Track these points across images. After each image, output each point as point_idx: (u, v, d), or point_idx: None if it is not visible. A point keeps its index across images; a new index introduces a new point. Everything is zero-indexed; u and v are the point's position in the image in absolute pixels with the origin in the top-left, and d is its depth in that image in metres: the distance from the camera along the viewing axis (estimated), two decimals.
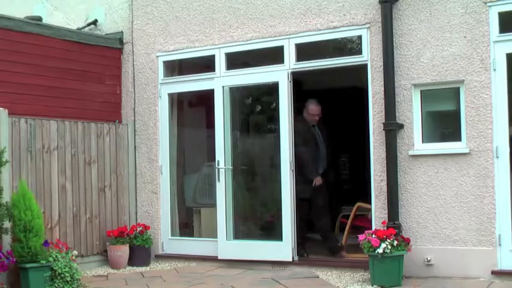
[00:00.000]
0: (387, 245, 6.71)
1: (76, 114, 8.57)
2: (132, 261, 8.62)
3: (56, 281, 7.06)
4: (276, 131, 8.37)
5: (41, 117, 8.03)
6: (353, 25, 7.69)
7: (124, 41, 9.36)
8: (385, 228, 7.06)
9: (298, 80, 8.62)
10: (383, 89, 7.40)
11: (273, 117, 8.57)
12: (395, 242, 6.78)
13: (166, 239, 8.99)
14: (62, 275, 7.07)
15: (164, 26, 9.03)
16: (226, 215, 8.46)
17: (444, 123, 7.52)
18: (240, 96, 9.24)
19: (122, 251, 8.53)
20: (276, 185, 8.17)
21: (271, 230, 9.41)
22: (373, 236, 6.86)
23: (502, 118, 6.87)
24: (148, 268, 8.54)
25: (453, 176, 7.08)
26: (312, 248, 8.49)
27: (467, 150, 7.00)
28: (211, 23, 8.65)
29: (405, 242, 6.90)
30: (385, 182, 7.34)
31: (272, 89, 8.36)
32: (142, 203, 9.15)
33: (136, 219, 9.11)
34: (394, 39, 7.35)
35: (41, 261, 7.01)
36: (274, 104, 8.58)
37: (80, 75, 8.77)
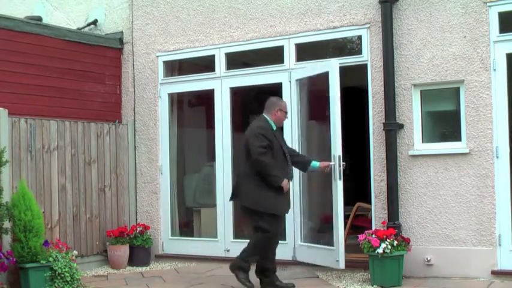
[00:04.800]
0: (387, 245, 6.71)
1: (76, 114, 8.57)
2: (132, 261, 8.62)
3: (56, 281, 7.06)
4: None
5: (41, 117, 8.04)
6: (353, 25, 7.69)
7: (124, 41, 9.36)
8: (385, 228, 7.07)
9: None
10: (383, 89, 7.41)
11: None
12: (395, 242, 6.78)
13: (166, 239, 8.99)
14: (62, 275, 7.07)
15: (164, 26, 9.03)
16: (224, 215, 8.48)
17: (444, 123, 7.52)
18: (241, 95, 9.24)
19: (122, 251, 8.53)
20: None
21: None
22: (373, 236, 6.86)
23: (502, 118, 6.87)
24: (148, 268, 8.54)
25: (453, 176, 7.08)
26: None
27: (467, 150, 7.00)
28: (211, 23, 8.65)
29: (405, 242, 6.90)
30: (385, 182, 7.35)
31: (272, 89, 8.35)
32: (142, 203, 9.15)
33: (136, 219, 9.11)
34: (394, 39, 7.35)
35: (41, 261, 7.01)
36: None
37: (80, 75, 8.77)
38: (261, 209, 6.61)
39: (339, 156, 7.14)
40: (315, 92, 8.38)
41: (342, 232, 7.16)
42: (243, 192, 6.74)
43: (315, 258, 7.58)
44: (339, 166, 7.12)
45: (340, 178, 7.14)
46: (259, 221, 6.64)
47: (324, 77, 7.47)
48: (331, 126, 7.30)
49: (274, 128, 6.86)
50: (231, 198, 7.17)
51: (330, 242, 7.30)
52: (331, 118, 7.30)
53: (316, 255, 7.59)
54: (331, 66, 7.31)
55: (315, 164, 7.12)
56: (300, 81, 8.04)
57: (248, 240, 6.85)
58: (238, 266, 6.71)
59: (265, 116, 6.87)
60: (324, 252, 7.42)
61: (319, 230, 8.29)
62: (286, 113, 7.01)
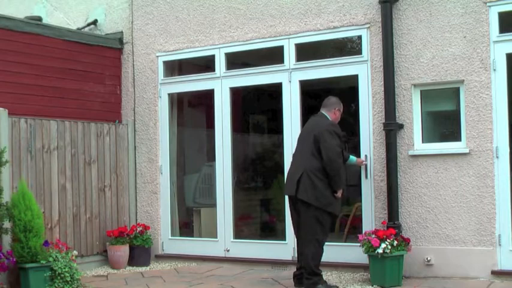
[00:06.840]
0: (387, 245, 6.71)
1: (76, 114, 8.57)
2: (132, 261, 8.62)
3: (56, 281, 7.06)
4: (278, 131, 8.37)
5: (41, 117, 8.04)
6: (353, 25, 7.69)
7: (124, 41, 9.36)
8: (385, 228, 7.07)
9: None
10: (383, 89, 7.41)
11: (274, 117, 8.57)
12: (395, 242, 6.78)
13: (166, 239, 8.99)
14: (62, 275, 7.08)
15: (164, 26, 9.03)
16: (224, 215, 8.49)
17: (444, 123, 7.53)
18: (241, 96, 9.24)
19: (122, 251, 8.53)
20: (278, 185, 8.16)
21: (273, 230, 9.44)
22: (373, 236, 6.86)
23: (502, 118, 6.87)
24: (148, 268, 8.54)
25: (453, 176, 7.08)
26: None
27: (467, 151, 7.00)
28: (211, 23, 8.65)
29: (405, 242, 6.90)
30: (385, 182, 7.35)
31: (272, 89, 8.37)
32: (142, 203, 9.15)
33: (136, 219, 9.11)
34: (394, 39, 7.35)
35: (41, 261, 7.01)
36: (274, 104, 8.59)
37: (80, 75, 8.78)
38: (324, 207, 6.56)
39: (369, 156, 7.49)
40: (312, 92, 8.44)
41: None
42: (307, 187, 6.54)
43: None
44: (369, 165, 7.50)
45: (370, 177, 7.49)
46: (316, 222, 6.55)
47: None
48: (360, 127, 7.55)
49: None
50: (288, 192, 6.77)
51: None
52: (361, 119, 7.55)
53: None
54: (361, 69, 7.56)
55: (353, 158, 7.31)
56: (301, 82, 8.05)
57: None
58: (313, 283, 6.58)
59: (324, 113, 6.89)
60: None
61: None
62: (341, 114, 7.03)
